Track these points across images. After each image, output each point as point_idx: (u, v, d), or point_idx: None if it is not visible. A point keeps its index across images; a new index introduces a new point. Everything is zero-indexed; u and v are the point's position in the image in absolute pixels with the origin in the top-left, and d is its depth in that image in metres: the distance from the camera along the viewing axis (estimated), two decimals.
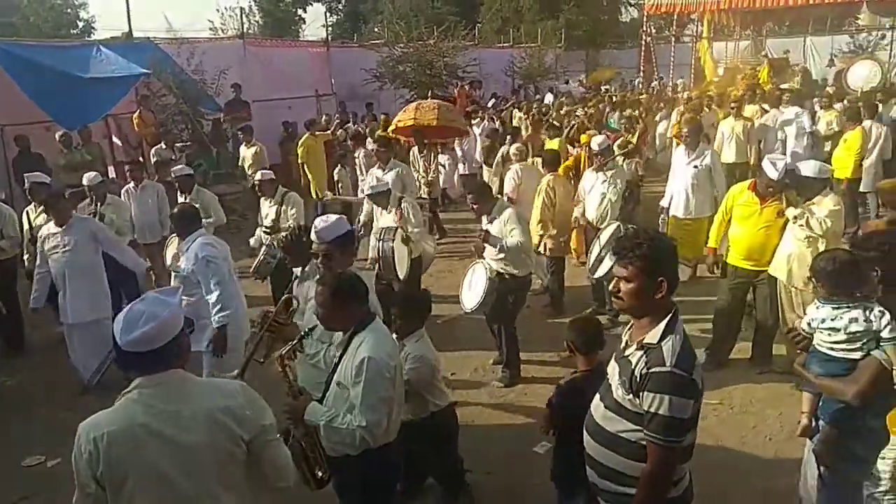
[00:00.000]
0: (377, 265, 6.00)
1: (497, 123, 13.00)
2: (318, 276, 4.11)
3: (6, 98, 9.63)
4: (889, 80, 17.67)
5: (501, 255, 5.51)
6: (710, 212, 7.18)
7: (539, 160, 7.91)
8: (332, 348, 3.32)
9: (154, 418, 2.10)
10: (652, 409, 2.28)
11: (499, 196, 7.04)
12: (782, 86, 16.35)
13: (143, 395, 2.13)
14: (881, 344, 2.86)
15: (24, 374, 6.43)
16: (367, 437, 2.87)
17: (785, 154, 10.32)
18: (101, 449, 2.04)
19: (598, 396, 2.59)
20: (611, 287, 2.53)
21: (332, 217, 3.91)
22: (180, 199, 7.23)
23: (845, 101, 12.24)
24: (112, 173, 11.07)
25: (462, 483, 4.20)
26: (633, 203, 7.19)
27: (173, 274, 5.03)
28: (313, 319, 3.32)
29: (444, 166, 10.37)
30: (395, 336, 3.53)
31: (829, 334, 2.98)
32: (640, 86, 20.68)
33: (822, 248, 4.73)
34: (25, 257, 6.75)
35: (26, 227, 6.76)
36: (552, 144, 9.09)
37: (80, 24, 32.78)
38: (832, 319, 2.97)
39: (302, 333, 3.33)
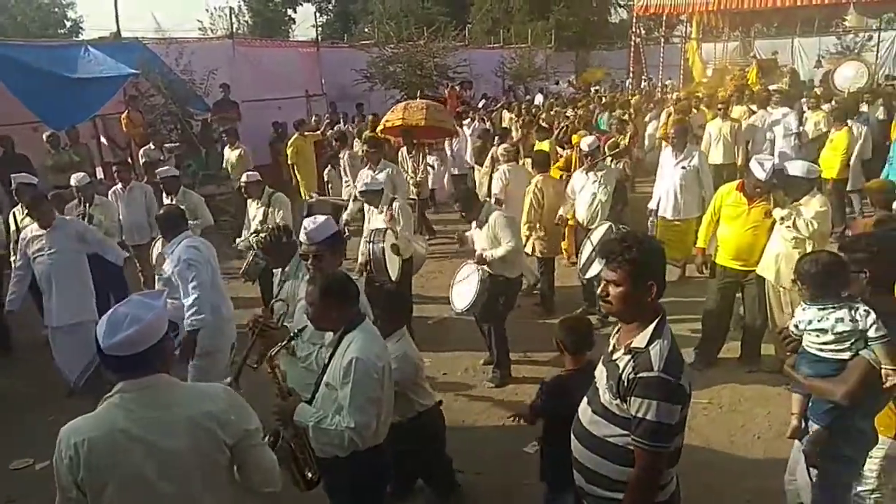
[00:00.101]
0: (368, 267, 5.99)
1: (488, 124, 13.01)
2: (303, 277, 4.12)
3: None
4: (876, 80, 17.85)
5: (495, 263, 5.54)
6: (697, 212, 7.23)
7: (529, 161, 7.93)
8: (323, 350, 3.31)
9: (135, 423, 2.07)
10: (639, 415, 2.27)
11: (487, 199, 7.05)
12: (771, 87, 16.48)
13: (124, 399, 2.10)
14: (869, 343, 2.87)
15: (10, 376, 6.38)
16: (356, 438, 2.86)
17: (773, 154, 10.42)
18: (81, 454, 2.02)
19: (585, 400, 2.57)
20: (599, 291, 2.51)
21: (321, 218, 3.90)
22: (165, 201, 7.19)
23: (833, 102, 12.33)
24: (100, 174, 11.00)
25: (452, 483, 4.20)
26: (622, 203, 7.21)
27: (156, 277, 4.96)
28: (303, 320, 3.32)
29: (432, 167, 10.35)
30: None
31: (818, 335, 2.99)
32: (631, 86, 20.78)
33: (809, 248, 4.77)
34: (12, 259, 6.69)
35: (13, 228, 6.71)
36: (542, 146, 9.11)
37: (68, 24, 32.59)
38: (819, 321, 2.98)
39: (291, 334, 3.33)
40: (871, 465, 3.27)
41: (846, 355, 2.92)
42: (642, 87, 20.26)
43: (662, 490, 2.42)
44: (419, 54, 17.81)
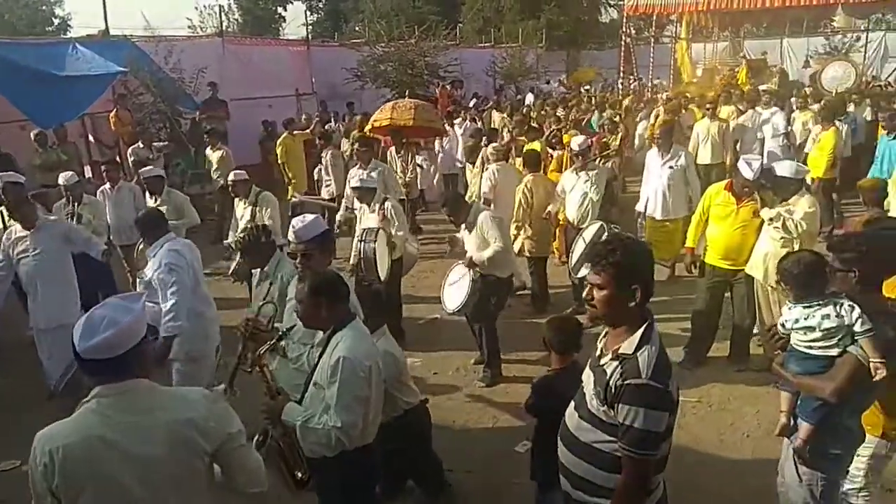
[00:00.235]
0: (358, 266, 5.98)
1: (479, 123, 13.01)
2: (282, 278, 4.10)
3: None
4: (865, 81, 17.99)
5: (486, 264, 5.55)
6: (685, 212, 7.27)
7: (519, 160, 7.93)
8: (313, 351, 3.30)
9: (112, 429, 2.03)
10: (627, 422, 2.24)
11: (475, 200, 7.06)
12: (760, 87, 16.58)
13: (101, 405, 2.05)
14: (855, 338, 2.89)
15: None
16: (343, 437, 2.85)
17: (762, 154, 10.49)
18: (56, 461, 1.97)
19: (572, 404, 2.55)
20: (584, 294, 2.50)
21: (310, 217, 3.89)
22: (150, 201, 7.13)
23: (822, 102, 12.42)
24: (88, 173, 10.92)
25: (441, 482, 4.20)
26: (610, 204, 7.23)
27: (138, 280, 4.88)
28: (292, 319, 3.31)
29: (420, 167, 10.33)
30: None
31: (805, 333, 3.01)
32: (622, 87, 20.82)
33: (797, 248, 4.80)
34: None
35: (0, 226, 6.64)
36: (533, 146, 9.11)
37: (56, 22, 32.37)
38: (805, 319, 3.00)
39: (280, 333, 3.31)
40: (859, 464, 3.29)
41: (834, 352, 2.94)
42: (632, 87, 20.30)
43: (649, 496, 2.40)
44: (410, 53, 17.80)
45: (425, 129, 10.24)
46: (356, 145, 8.44)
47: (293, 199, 9.69)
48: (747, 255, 5.36)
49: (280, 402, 3.02)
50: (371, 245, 5.87)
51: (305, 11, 25.58)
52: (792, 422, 3.16)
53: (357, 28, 25.98)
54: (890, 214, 5.87)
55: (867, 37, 22.56)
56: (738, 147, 10.95)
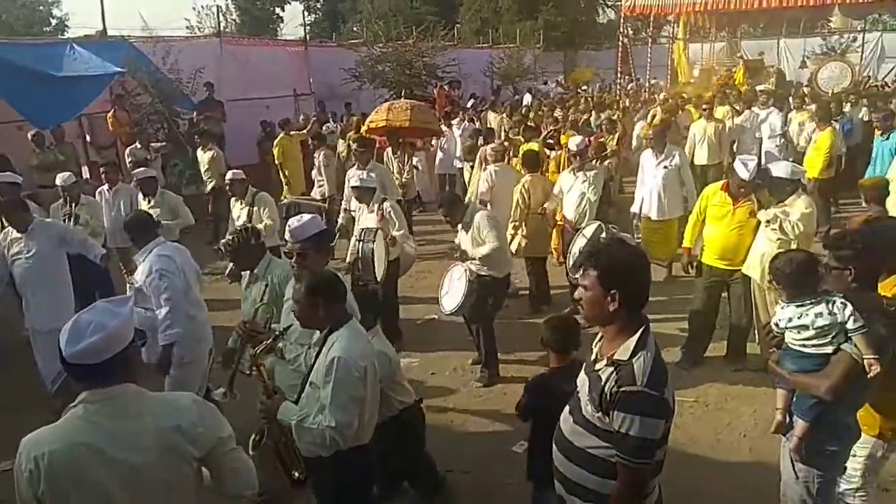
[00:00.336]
0: (355, 266, 5.98)
1: (477, 124, 13.02)
2: (272, 280, 4.08)
3: None
4: (864, 82, 18.04)
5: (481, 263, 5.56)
6: (681, 212, 7.30)
7: (515, 160, 7.92)
8: (310, 351, 3.30)
9: (98, 436, 2.00)
10: (622, 430, 2.22)
11: (472, 200, 7.06)
12: (758, 87, 16.61)
13: (88, 411, 2.02)
14: (849, 335, 2.91)
15: None
16: (337, 437, 2.85)
17: (759, 154, 10.52)
18: (41, 468, 1.95)
19: (567, 409, 2.53)
20: (575, 294, 2.51)
21: (307, 216, 3.89)
22: (143, 203, 7.11)
23: (816, 103, 12.45)
24: (86, 173, 10.91)
25: (436, 483, 4.20)
26: (607, 204, 7.24)
27: (128, 285, 4.81)
28: (289, 319, 3.31)
29: (417, 168, 10.33)
30: None
31: (799, 332, 3.02)
32: (620, 87, 20.84)
33: (794, 247, 4.81)
34: None
35: None
36: (531, 146, 9.11)
37: (53, 22, 32.36)
38: (798, 318, 3.01)
39: (276, 333, 3.31)
40: (855, 465, 3.30)
41: (829, 349, 2.95)
42: (628, 87, 20.31)
43: (645, 500, 2.39)
44: (408, 54, 17.79)
45: (421, 130, 10.23)
46: (354, 146, 8.44)
47: (283, 201, 9.68)
48: (744, 256, 5.37)
49: (276, 401, 3.03)
50: (369, 245, 5.87)
51: (303, 12, 25.46)
52: (788, 419, 3.17)
53: (355, 28, 25.97)
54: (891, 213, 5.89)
55: (864, 37, 22.57)
56: (735, 147, 10.97)
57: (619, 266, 2.32)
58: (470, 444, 4.89)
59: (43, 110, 9.69)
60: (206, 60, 13.17)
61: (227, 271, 6.16)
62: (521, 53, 24.37)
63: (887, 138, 8.47)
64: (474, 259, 5.54)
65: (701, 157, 10.50)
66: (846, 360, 2.89)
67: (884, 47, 23.13)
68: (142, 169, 7.66)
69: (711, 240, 5.57)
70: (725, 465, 4.51)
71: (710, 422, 5.03)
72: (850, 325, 2.89)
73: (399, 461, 3.92)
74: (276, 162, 10.70)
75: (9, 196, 5.95)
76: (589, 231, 6.26)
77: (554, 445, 2.54)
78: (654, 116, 12.23)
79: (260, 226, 6.58)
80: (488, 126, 12.72)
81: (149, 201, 7.08)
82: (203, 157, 10.45)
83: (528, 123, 11.00)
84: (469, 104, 16.59)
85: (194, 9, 56.71)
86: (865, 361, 2.85)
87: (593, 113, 13.61)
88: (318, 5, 37.13)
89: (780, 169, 5.24)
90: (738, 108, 12.13)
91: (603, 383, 2.29)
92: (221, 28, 15.99)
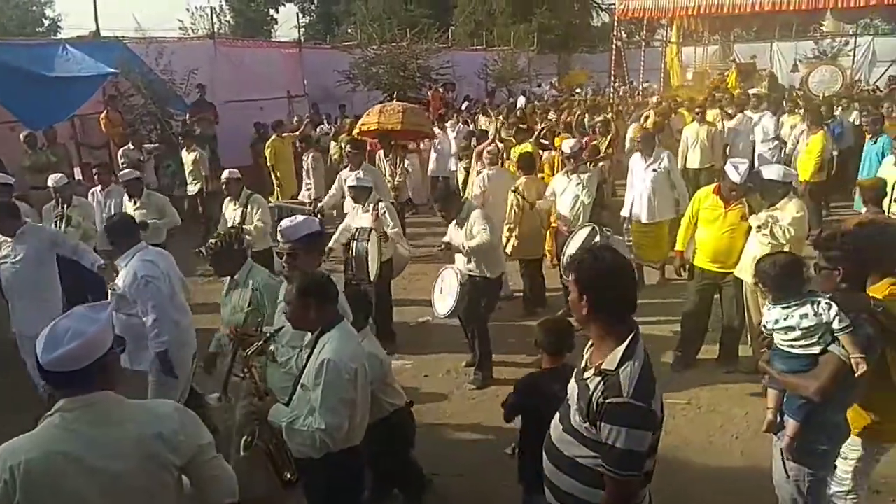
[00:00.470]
0: (349, 265, 5.99)
1: (472, 126, 13.03)
2: (252, 286, 4.03)
3: None
4: (857, 85, 18.14)
5: (471, 258, 5.55)
6: (671, 214, 7.32)
7: (508, 162, 7.92)
8: (302, 354, 3.29)
9: (76, 444, 1.97)
10: (609, 442, 2.19)
11: (468, 198, 7.05)
12: (750, 90, 16.68)
13: (65, 419, 1.99)
14: (835, 335, 2.94)
15: None
16: (327, 439, 2.85)
17: (753, 158, 10.58)
18: (17, 478, 1.90)
19: (557, 416, 2.50)
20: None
21: (300, 217, 3.89)
22: (128, 204, 7.08)
23: (805, 106, 12.52)
24: (78, 175, 10.86)
25: (423, 486, 4.18)
26: (601, 206, 7.27)
27: (111, 291, 4.62)
28: (281, 320, 3.30)
29: (408, 171, 10.31)
30: None
31: (786, 333, 3.06)
32: (613, 90, 20.88)
33: (786, 251, 4.83)
34: None
35: None
36: (525, 147, 9.12)
37: (46, 23, 32.20)
38: (784, 319, 3.05)
39: (268, 335, 3.30)
40: (846, 467, 3.32)
41: (816, 349, 2.99)
42: (620, 90, 20.36)
43: None
44: (402, 56, 17.80)
45: (413, 133, 10.20)
46: (347, 148, 8.43)
47: (270, 203, 9.64)
48: (736, 258, 5.39)
49: (267, 403, 3.03)
50: (364, 244, 5.89)
51: (297, 14, 25.50)
52: (779, 418, 3.20)
53: (349, 30, 26.02)
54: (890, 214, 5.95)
55: (855, 41, 22.73)
56: (728, 151, 11.01)
57: (596, 271, 2.31)
58: (463, 447, 4.89)
59: (35, 111, 9.65)
60: (199, 62, 13.15)
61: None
62: (515, 56, 24.40)
63: (875, 142, 8.53)
64: (465, 248, 5.51)
65: (693, 161, 10.55)
66: (834, 361, 2.93)
67: (875, 51, 23.28)
68: (127, 170, 7.60)
69: (703, 243, 5.59)
70: (717, 468, 4.52)
71: (703, 424, 5.05)
72: (835, 325, 2.93)
73: (389, 463, 3.90)
74: (268, 164, 10.68)
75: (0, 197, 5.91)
76: (582, 234, 6.27)
77: (544, 453, 2.52)
78: (646, 119, 12.27)
79: (251, 227, 6.60)
80: (481, 128, 12.74)
81: (134, 202, 7.05)
82: (187, 158, 10.36)
83: (521, 125, 11.01)
84: (463, 106, 16.60)
85: (188, 10, 56.49)
86: (852, 360, 2.89)
87: (587, 115, 13.63)
88: (313, 7, 37.10)
89: (771, 172, 5.26)
90: (729, 111, 12.18)
91: (590, 393, 2.27)
92: (215, 29, 15.99)
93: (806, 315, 2.98)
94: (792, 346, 3.05)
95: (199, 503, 2.26)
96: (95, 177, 7.87)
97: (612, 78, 21.13)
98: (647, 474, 2.35)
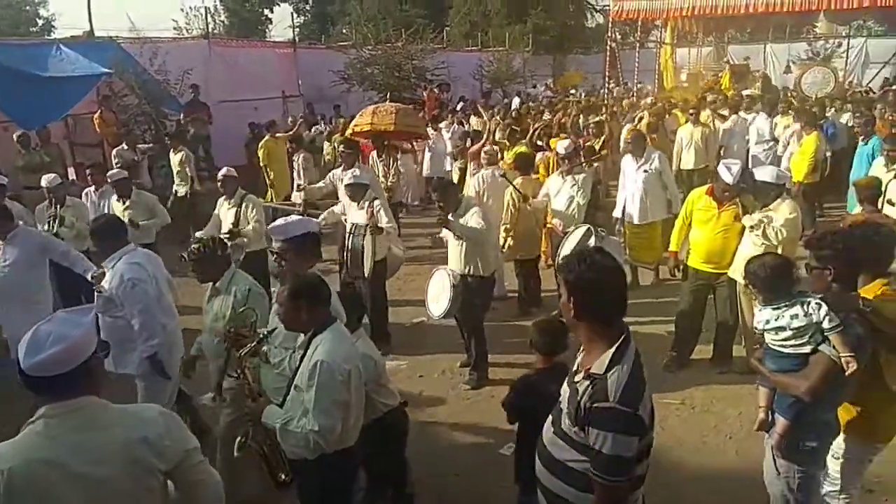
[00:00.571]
0: (345, 260, 5.97)
1: (466, 126, 13.04)
2: (235, 293, 3.98)
3: None
4: (851, 87, 18.22)
5: (463, 256, 5.55)
6: (664, 214, 7.34)
7: (502, 163, 7.91)
8: (294, 355, 3.28)
9: (60, 451, 1.94)
10: (596, 446, 2.18)
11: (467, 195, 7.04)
12: (744, 91, 16.76)
13: (49, 425, 1.96)
14: (825, 334, 2.97)
15: None
16: (321, 441, 2.85)
17: (747, 159, 10.62)
18: (1, 485, 1.87)
19: (550, 418, 2.49)
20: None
21: (295, 217, 3.88)
22: (117, 205, 7.05)
23: (796, 107, 12.57)
24: (72, 175, 10.83)
25: (408, 483, 4.15)
26: (595, 207, 7.27)
27: (96, 293, 4.57)
28: (274, 321, 3.30)
29: (401, 171, 10.29)
30: None
31: (776, 333, 3.09)
32: (608, 91, 20.93)
33: (780, 251, 4.85)
34: None
35: None
36: (521, 148, 9.12)
37: (40, 23, 32.10)
38: (775, 319, 3.08)
39: (261, 336, 3.29)
40: (839, 466, 3.34)
41: (807, 349, 3.02)
42: (614, 91, 20.41)
43: None
44: (397, 56, 17.82)
45: (406, 134, 10.18)
46: (341, 148, 8.42)
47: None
48: (730, 259, 5.41)
49: (261, 404, 3.02)
50: (360, 239, 5.92)
51: (292, 14, 25.42)
52: (770, 416, 3.22)
53: (344, 31, 25.93)
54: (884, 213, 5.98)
55: (848, 43, 22.84)
56: (723, 152, 11.05)
57: (583, 275, 2.29)
58: (459, 447, 4.89)
59: (29, 111, 9.63)
60: (193, 62, 13.14)
61: None
62: (510, 57, 24.45)
63: (867, 143, 8.58)
64: (463, 231, 5.48)
65: (687, 162, 10.60)
66: (824, 361, 2.96)
67: (868, 53, 23.41)
68: (115, 170, 7.56)
69: (697, 243, 5.61)
70: (711, 468, 4.53)
71: (697, 424, 5.06)
72: (825, 325, 2.96)
73: (383, 464, 3.88)
74: (261, 164, 10.65)
75: None
76: (578, 234, 6.27)
77: (537, 457, 2.51)
78: (640, 120, 12.31)
79: (248, 227, 6.59)
80: (474, 129, 12.75)
81: (123, 202, 7.02)
82: (174, 159, 10.18)
83: (514, 127, 11.03)
84: (458, 107, 16.62)
85: (182, 10, 56.35)
86: (843, 360, 2.92)
87: (581, 116, 13.66)
88: (307, 7, 37.06)
89: (764, 173, 5.28)
90: (723, 113, 12.22)
91: (579, 397, 2.25)
92: (210, 29, 15.95)
93: (796, 315, 3.01)
94: (783, 346, 3.08)
95: None
96: (89, 177, 7.84)
97: (607, 79, 21.17)
98: (640, 478, 2.34)
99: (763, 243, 5.06)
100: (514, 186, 6.93)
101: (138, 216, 6.87)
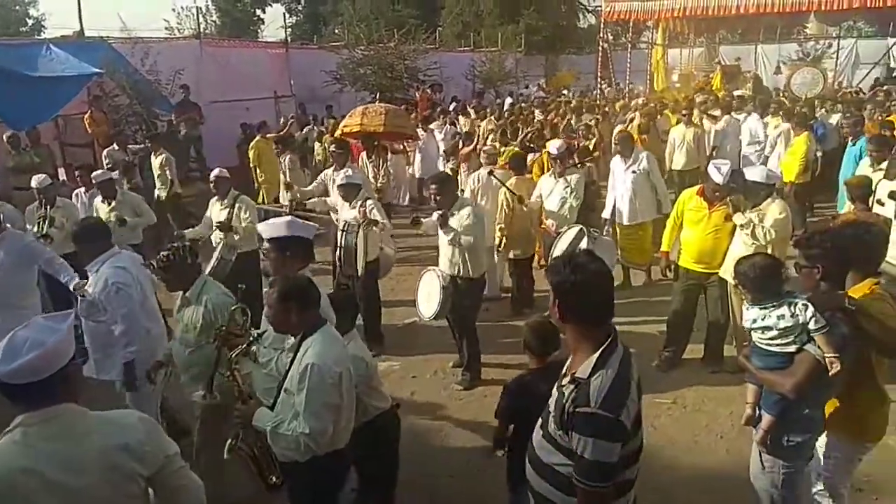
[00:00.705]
0: (338, 258, 5.95)
1: (458, 126, 13.04)
2: (205, 303, 3.90)
3: None
4: (842, 87, 18.33)
5: (453, 257, 5.56)
6: (653, 215, 7.37)
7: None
8: (283, 356, 3.26)
9: (39, 460, 1.91)
10: (578, 451, 2.18)
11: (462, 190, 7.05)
12: (735, 92, 16.84)
13: (27, 434, 1.93)
14: (810, 335, 3.01)
15: None
16: (311, 444, 2.84)
17: (739, 159, 10.67)
18: None
19: (539, 422, 2.48)
20: None
21: (284, 219, 3.85)
22: (102, 206, 7.01)
23: (785, 108, 12.64)
24: (62, 175, 10.77)
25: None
26: (589, 208, 7.29)
27: (79, 298, 4.49)
28: (265, 323, 3.28)
29: (390, 172, 10.27)
30: None
31: (763, 332, 3.13)
32: (600, 92, 20.99)
33: (770, 252, 4.88)
34: None
35: None
36: (513, 149, 9.12)
37: (30, 22, 31.86)
38: (762, 319, 3.12)
39: (251, 337, 3.27)
40: (829, 465, 3.37)
41: (792, 348, 3.06)
42: (606, 92, 20.46)
43: None
44: (389, 56, 17.80)
45: (396, 135, 10.16)
46: (332, 148, 8.40)
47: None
48: (721, 259, 5.43)
49: (251, 407, 3.01)
50: (353, 237, 5.91)
51: (284, 14, 25.48)
52: (757, 413, 3.26)
53: (336, 31, 25.95)
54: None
55: (839, 44, 22.97)
56: (715, 153, 11.08)
57: (568, 278, 2.28)
58: (452, 448, 4.88)
59: (18, 111, 9.57)
60: (185, 62, 13.09)
61: (207, 271, 6.09)
62: (502, 57, 24.45)
63: (855, 144, 8.63)
64: (456, 239, 5.47)
65: (679, 162, 10.62)
66: (809, 360, 3.00)
67: (858, 54, 23.54)
68: (99, 172, 7.48)
69: (688, 243, 5.63)
70: (702, 467, 4.55)
71: (688, 423, 5.08)
72: (811, 326, 3.01)
73: (374, 466, 3.86)
74: (251, 164, 10.62)
75: None
76: (570, 235, 6.28)
77: (527, 460, 2.51)
78: (631, 121, 12.34)
79: (241, 227, 6.57)
80: (466, 131, 12.76)
81: (109, 203, 6.97)
82: (154, 162, 9.98)
83: (505, 129, 11.05)
84: (451, 107, 16.63)
85: (174, 10, 56.13)
86: (827, 360, 2.96)
87: (573, 116, 13.68)
88: (300, 7, 36.94)
89: (754, 173, 5.31)
90: (714, 113, 12.26)
91: (564, 401, 2.25)
92: (201, 29, 15.91)
93: (783, 316, 3.05)
94: (769, 345, 3.13)
95: None
96: (78, 178, 7.79)
97: (599, 80, 21.24)
98: (628, 482, 2.33)
99: (753, 243, 5.09)
100: (508, 188, 6.93)
101: (126, 216, 6.84)
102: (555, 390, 2.42)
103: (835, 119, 11.96)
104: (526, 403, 3.11)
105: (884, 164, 6.74)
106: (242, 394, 3.08)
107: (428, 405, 5.50)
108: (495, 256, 7.42)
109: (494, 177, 7.07)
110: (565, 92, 21.69)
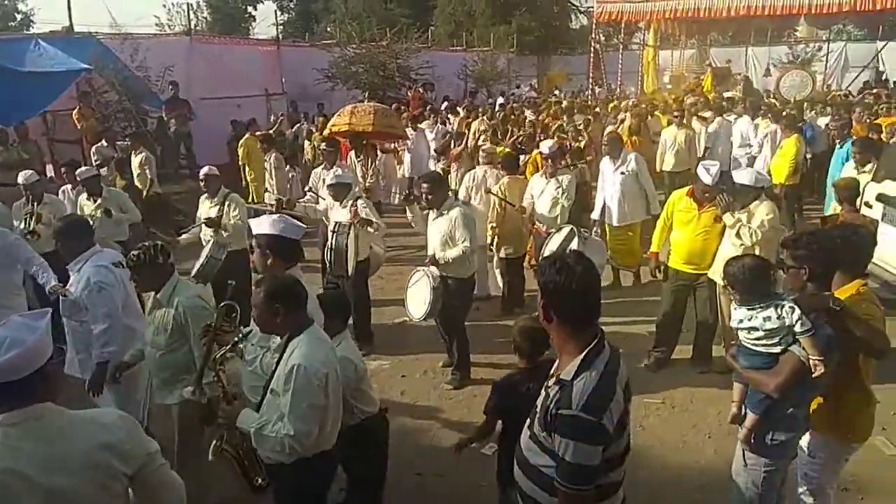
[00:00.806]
0: (329, 258, 5.93)
1: (449, 126, 13.04)
2: (176, 305, 3.81)
3: None
4: (821, 89, 18.46)
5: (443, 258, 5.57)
6: (642, 216, 7.39)
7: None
8: (268, 354, 3.23)
9: (20, 461, 1.89)
10: (559, 453, 2.15)
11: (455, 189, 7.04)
12: (725, 94, 16.93)
13: (8, 435, 1.92)
14: (796, 337, 3.04)
15: None
16: (296, 445, 2.82)
17: (729, 162, 10.72)
18: None
19: (527, 423, 2.45)
20: None
21: (272, 217, 3.82)
22: (87, 203, 6.95)
23: (787, 110, 12.72)
24: (50, 172, 10.68)
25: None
26: (582, 209, 7.30)
27: (61, 298, 4.41)
28: (252, 323, 3.26)
29: (379, 171, 10.23)
30: None
31: (749, 332, 3.16)
32: (592, 93, 21.04)
33: (757, 252, 4.90)
34: None
35: None
36: (505, 148, 9.12)
37: (18, 17, 31.57)
38: (749, 320, 3.14)
39: (237, 338, 3.23)
40: (815, 465, 3.39)
41: (777, 349, 3.09)
42: (597, 93, 20.52)
43: None
44: (381, 55, 17.79)
45: (385, 134, 10.13)
46: (322, 145, 8.37)
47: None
48: (710, 260, 5.45)
49: (236, 408, 2.98)
50: (343, 238, 5.88)
51: (276, 11, 25.26)
52: (742, 411, 3.29)
53: (328, 29, 25.86)
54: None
55: (828, 47, 23.14)
56: (706, 155, 11.13)
57: (553, 279, 2.26)
58: (442, 447, 4.87)
59: (6, 107, 9.48)
60: (175, 58, 13.03)
61: (193, 272, 6.05)
62: (494, 57, 24.50)
63: (842, 146, 8.70)
64: (445, 261, 5.52)
65: (670, 164, 10.66)
66: (793, 360, 3.03)
67: (848, 57, 23.72)
68: (84, 168, 7.40)
69: (678, 244, 5.65)
70: (691, 467, 4.56)
71: (676, 423, 5.10)
72: (797, 329, 3.03)
73: (362, 469, 3.83)
74: (241, 162, 10.57)
75: None
76: (561, 235, 6.29)
77: (515, 460, 2.49)
78: (622, 122, 12.37)
79: (230, 224, 6.53)
80: (458, 131, 12.76)
81: (95, 200, 6.91)
82: (134, 161, 9.81)
83: (496, 129, 11.05)
84: (442, 107, 16.62)
85: (164, 6, 55.89)
86: (811, 362, 2.99)
87: (565, 117, 13.70)
88: (291, 5, 36.87)
89: (743, 176, 5.34)
90: (704, 115, 12.32)
91: (548, 402, 2.23)
92: (192, 26, 15.83)
93: (769, 318, 3.07)
94: (755, 345, 3.16)
95: None
96: (65, 175, 7.72)
97: (591, 80, 21.28)
98: (614, 485, 2.32)
99: (742, 244, 5.11)
100: (498, 196, 6.92)
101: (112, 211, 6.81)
102: (543, 391, 2.40)
103: (824, 122, 12.05)
104: (514, 402, 3.11)
105: (868, 167, 6.81)
106: (227, 394, 3.04)
107: (417, 404, 5.50)
108: (489, 256, 7.42)
109: (491, 192, 7.03)
110: (556, 92, 21.75)
